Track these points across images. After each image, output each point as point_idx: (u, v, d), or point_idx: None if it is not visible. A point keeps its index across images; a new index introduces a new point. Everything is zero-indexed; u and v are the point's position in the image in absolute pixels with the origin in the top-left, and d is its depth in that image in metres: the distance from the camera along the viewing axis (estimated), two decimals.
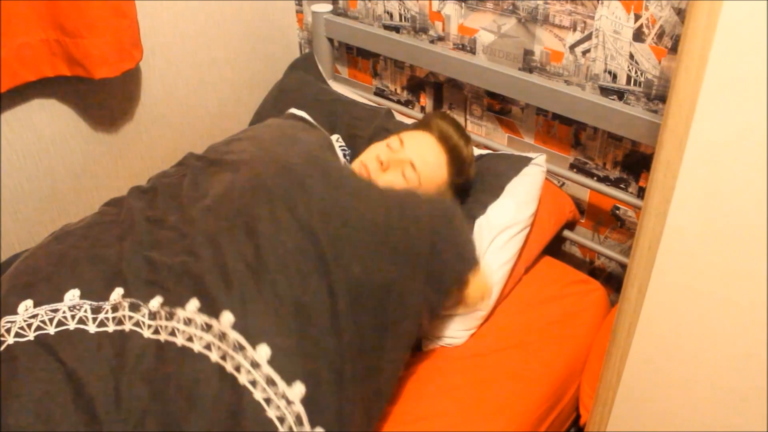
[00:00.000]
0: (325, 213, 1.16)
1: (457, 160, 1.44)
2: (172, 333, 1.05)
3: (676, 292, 0.96)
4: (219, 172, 1.29)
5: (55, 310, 1.06)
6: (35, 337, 1.03)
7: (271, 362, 1.02)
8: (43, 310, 1.05)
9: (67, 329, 1.04)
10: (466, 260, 1.28)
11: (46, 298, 1.07)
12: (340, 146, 1.54)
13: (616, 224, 1.65)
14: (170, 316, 1.06)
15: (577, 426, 1.49)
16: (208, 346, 1.03)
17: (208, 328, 1.04)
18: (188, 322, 1.05)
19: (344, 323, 1.07)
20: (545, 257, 1.65)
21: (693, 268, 0.93)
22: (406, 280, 1.16)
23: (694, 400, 1.02)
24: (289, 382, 1.02)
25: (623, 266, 1.64)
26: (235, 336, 1.03)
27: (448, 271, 1.24)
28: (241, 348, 1.03)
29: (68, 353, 1.01)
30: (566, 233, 1.70)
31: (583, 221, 1.72)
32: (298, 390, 1.02)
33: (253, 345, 1.03)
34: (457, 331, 1.38)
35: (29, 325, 1.04)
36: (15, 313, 1.06)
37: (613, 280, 1.72)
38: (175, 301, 1.07)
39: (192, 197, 1.24)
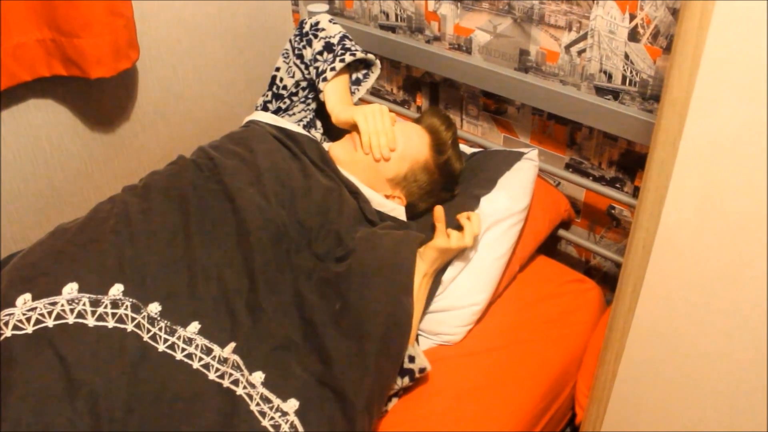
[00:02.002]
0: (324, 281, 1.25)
1: (437, 140, 1.48)
2: (171, 347, 1.10)
3: (671, 291, 0.96)
4: (220, 193, 1.29)
5: (54, 303, 1.07)
6: (34, 330, 1.04)
7: (265, 384, 1.11)
8: (41, 303, 1.06)
9: (66, 323, 1.05)
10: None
11: (44, 292, 1.08)
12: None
13: (612, 224, 1.65)
14: (170, 332, 1.11)
15: (573, 425, 1.50)
16: (206, 366, 1.10)
17: (208, 351, 1.11)
18: (188, 341, 1.11)
19: (333, 354, 1.15)
20: (541, 256, 1.65)
21: (687, 268, 0.93)
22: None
23: (689, 399, 1.03)
24: (284, 399, 1.10)
25: (619, 266, 1.64)
26: (234, 358, 1.11)
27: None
28: (239, 369, 1.11)
29: (67, 348, 1.03)
30: (562, 233, 1.70)
31: (578, 221, 1.72)
32: (292, 404, 1.10)
33: (250, 371, 1.11)
34: (453, 327, 1.39)
35: (28, 319, 1.05)
36: (13, 305, 1.06)
37: (608, 280, 1.72)
38: (175, 318, 1.13)
39: (194, 216, 1.25)
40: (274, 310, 1.20)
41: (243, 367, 1.11)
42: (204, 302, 1.16)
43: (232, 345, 1.13)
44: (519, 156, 1.56)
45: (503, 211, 1.45)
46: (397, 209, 1.45)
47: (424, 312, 1.36)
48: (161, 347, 1.09)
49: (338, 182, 1.40)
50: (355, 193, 1.41)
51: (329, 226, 1.32)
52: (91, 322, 1.06)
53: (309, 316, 1.20)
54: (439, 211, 1.36)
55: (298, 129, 1.49)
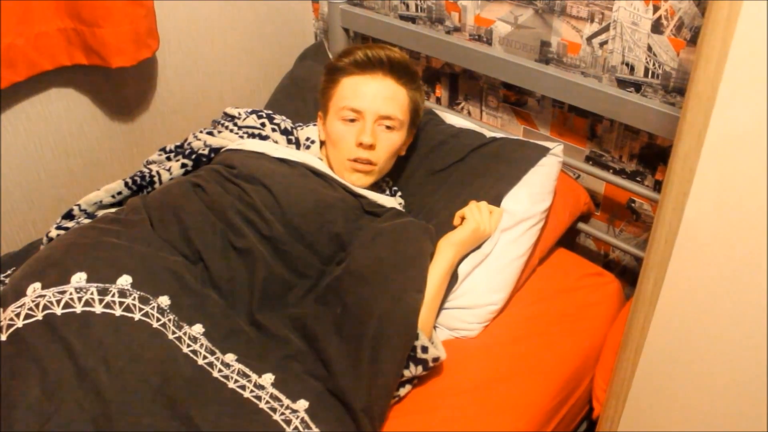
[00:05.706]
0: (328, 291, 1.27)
1: (400, 69, 1.40)
2: (179, 339, 1.12)
3: (693, 286, 0.95)
4: (218, 212, 1.29)
5: (62, 292, 1.09)
6: (43, 316, 1.06)
7: (275, 385, 1.13)
8: (50, 292, 1.09)
9: (74, 312, 1.07)
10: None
11: (53, 281, 1.11)
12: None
13: (632, 217, 1.64)
14: (178, 326, 1.13)
15: (590, 419, 1.49)
16: (210, 365, 1.12)
17: (211, 352, 1.14)
18: (194, 339, 1.14)
19: (334, 361, 1.17)
20: (560, 249, 1.64)
21: (710, 262, 0.92)
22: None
23: (710, 394, 1.02)
24: (293, 399, 1.12)
25: (638, 260, 1.63)
26: (239, 366, 1.14)
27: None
28: (246, 375, 1.13)
29: (75, 335, 1.05)
30: (581, 226, 1.69)
31: (598, 214, 1.71)
32: (301, 404, 1.12)
33: (259, 374, 1.14)
34: (469, 324, 1.38)
35: (37, 305, 1.07)
36: (24, 294, 1.09)
37: (627, 274, 1.71)
38: (182, 315, 1.15)
39: (197, 238, 1.26)
40: (278, 324, 1.23)
41: (250, 373, 1.13)
42: (209, 310, 1.19)
43: (235, 357, 1.15)
44: (544, 151, 1.51)
45: (524, 213, 1.44)
46: (392, 201, 1.44)
47: (441, 307, 1.36)
48: (170, 335, 1.11)
49: (330, 182, 1.38)
50: (349, 191, 1.38)
51: (329, 227, 1.30)
52: (98, 309, 1.08)
53: (312, 328, 1.21)
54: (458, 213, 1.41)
55: (293, 156, 1.41)
